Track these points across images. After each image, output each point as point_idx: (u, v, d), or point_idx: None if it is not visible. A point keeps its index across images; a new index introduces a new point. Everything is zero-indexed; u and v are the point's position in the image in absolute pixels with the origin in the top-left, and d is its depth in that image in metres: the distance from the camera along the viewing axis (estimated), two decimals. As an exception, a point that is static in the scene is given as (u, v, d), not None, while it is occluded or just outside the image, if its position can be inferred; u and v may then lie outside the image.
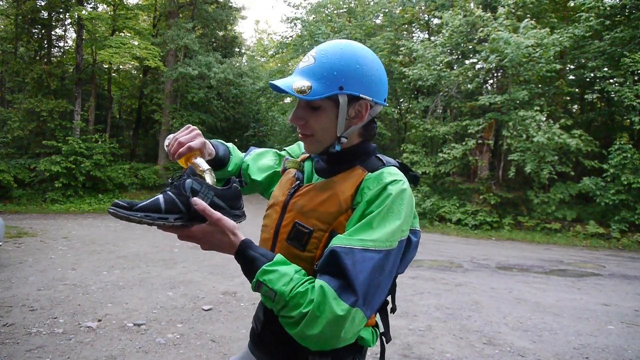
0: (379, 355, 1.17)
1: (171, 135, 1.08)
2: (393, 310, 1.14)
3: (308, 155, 1.15)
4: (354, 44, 1.02)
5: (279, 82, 0.96)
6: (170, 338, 3.48)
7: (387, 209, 0.91)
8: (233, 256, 0.94)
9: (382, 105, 1.03)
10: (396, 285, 1.11)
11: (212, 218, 0.91)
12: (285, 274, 0.87)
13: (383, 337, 1.13)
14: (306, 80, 0.96)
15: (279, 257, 0.91)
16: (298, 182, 1.10)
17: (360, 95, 0.97)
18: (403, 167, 1.06)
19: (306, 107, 1.01)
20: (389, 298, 1.11)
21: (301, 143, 1.22)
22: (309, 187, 1.04)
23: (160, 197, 0.90)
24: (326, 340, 0.85)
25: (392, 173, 0.97)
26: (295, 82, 0.96)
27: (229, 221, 0.93)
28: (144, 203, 0.87)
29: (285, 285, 0.86)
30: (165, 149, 1.09)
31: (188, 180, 0.92)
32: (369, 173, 0.99)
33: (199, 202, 0.90)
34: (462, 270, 6.65)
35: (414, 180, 1.07)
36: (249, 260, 0.91)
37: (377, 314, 1.09)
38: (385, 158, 1.05)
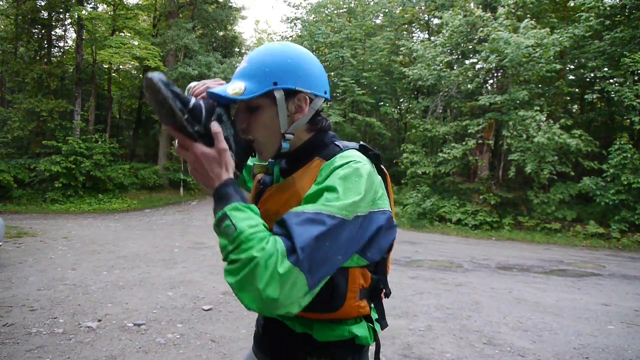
0: (374, 350, 1.14)
1: (194, 83, 1.08)
2: (387, 294, 1.10)
3: None
4: (286, 43, 1.03)
5: (215, 90, 0.95)
6: (170, 338, 3.48)
7: (342, 188, 0.88)
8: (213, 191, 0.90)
9: (323, 98, 1.02)
10: (387, 267, 1.08)
11: (219, 146, 0.90)
12: (254, 218, 0.84)
13: (379, 329, 1.08)
14: (240, 82, 0.96)
15: (256, 209, 0.88)
16: (262, 187, 1.09)
17: (297, 88, 0.96)
18: (363, 149, 1.04)
19: (246, 110, 1.00)
20: (382, 283, 1.07)
21: None
22: (271, 191, 1.03)
23: (194, 98, 0.91)
24: (264, 301, 0.77)
25: (344, 156, 0.96)
26: (229, 86, 0.96)
27: (231, 158, 0.92)
28: (180, 91, 0.88)
29: (250, 227, 0.81)
30: (187, 92, 1.07)
31: (220, 109, 0.94)
32: (326, 162, 0.97)
33: (217, 126, 0.91)
34: (462, 270, 6.65)
35: (375, 158, 1.03)
36: (226, 195, 0.86)
37: (372, 302, 1.05)
38: (343, 143, 1.03)
